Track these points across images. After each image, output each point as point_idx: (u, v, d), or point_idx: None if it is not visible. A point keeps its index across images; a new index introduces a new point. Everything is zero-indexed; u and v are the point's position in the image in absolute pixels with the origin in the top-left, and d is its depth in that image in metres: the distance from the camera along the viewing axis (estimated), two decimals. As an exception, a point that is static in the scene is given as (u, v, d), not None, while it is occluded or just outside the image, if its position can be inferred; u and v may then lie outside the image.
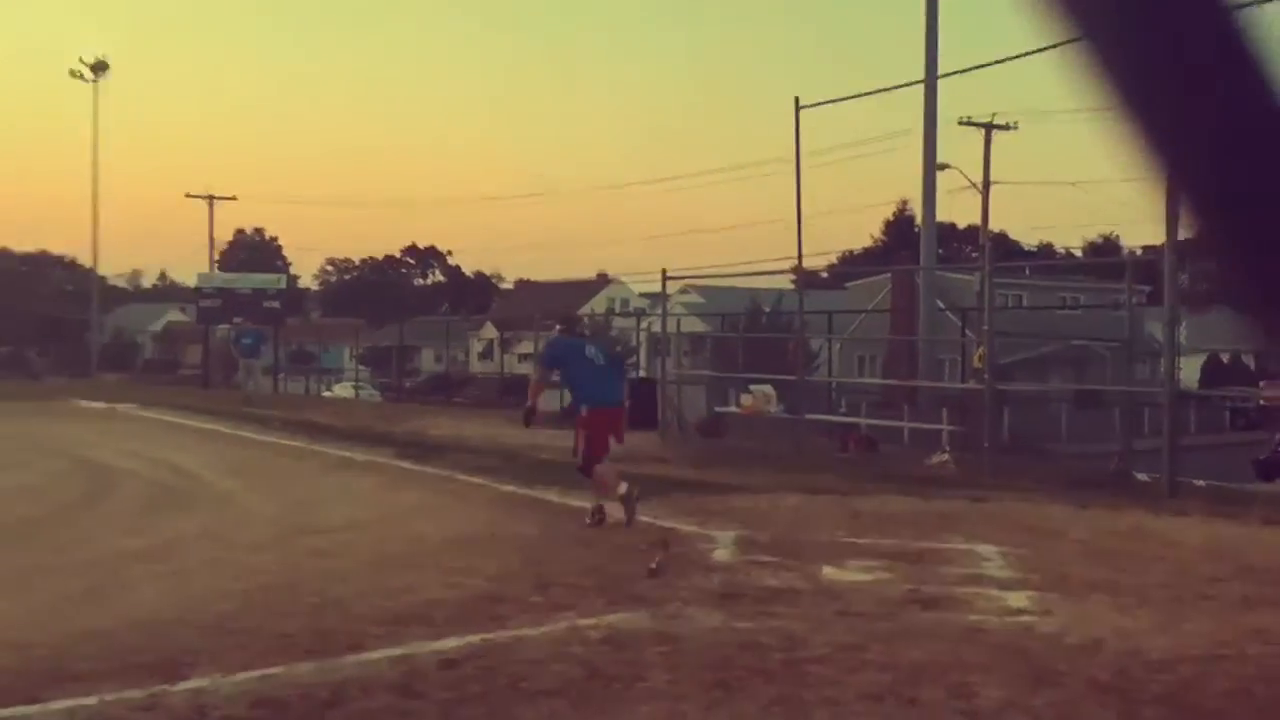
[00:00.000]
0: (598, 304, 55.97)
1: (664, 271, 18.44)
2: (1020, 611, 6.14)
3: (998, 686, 4.77)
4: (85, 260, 61.58)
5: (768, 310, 31.39)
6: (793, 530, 8.64)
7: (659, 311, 23.18)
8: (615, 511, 8.74)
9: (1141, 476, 12.14)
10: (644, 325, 32.52)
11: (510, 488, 11.07)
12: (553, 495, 10.55)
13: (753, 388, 16.92)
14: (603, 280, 68.65)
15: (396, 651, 5.22)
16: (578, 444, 9.44)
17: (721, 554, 7.75)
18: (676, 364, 20.47)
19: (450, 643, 5.39)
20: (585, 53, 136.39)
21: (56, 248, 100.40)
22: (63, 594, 6.46)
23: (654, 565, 7.10)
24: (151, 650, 5.21)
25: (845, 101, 18.25)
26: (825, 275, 52.74)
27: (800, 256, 16.92)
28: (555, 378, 10.54)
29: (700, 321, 31.58)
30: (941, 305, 20.80)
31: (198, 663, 5.02)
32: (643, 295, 57.65)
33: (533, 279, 79.37)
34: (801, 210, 16.34)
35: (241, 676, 4.81)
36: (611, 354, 10.59)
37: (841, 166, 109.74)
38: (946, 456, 14.13)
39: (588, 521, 8.94)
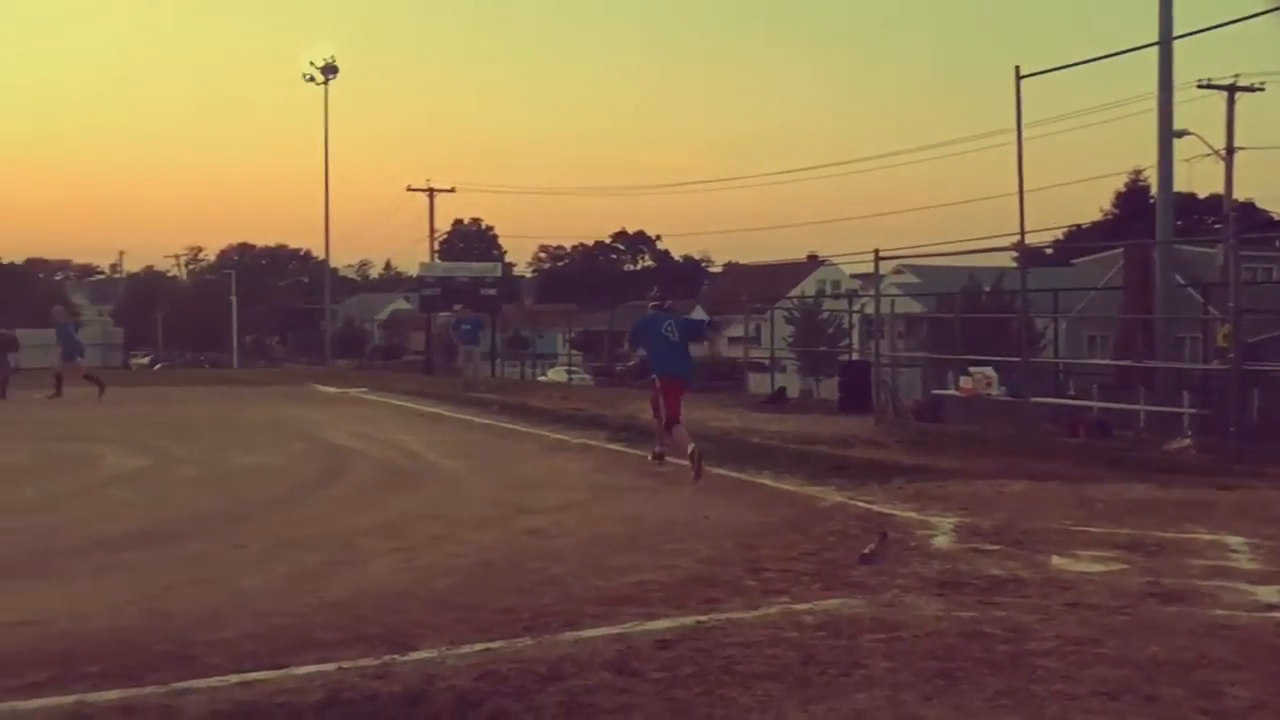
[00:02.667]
0: (808, 286, 55.39)
1: (876, 251, 18.01)
2: (1272, 607, 5.70)
3: (1246, 686, 4.43)
4: (319, 253, 65.25)
5: (987, 289, 30.31)
6: (1018, 518, 8.29)
7: (871, 292, 22.70)
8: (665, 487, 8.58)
9: None
10: (856, 307, 31.96)
11: (722, 471, 11.05)
12: (766, 479, 10.47)
13: (972, 370, 16.35)
14: (813, 262, 67.83)
15: (612, 630, 5.28)
16: (655, 405, 11.55)
17: (941, 541, 7.51)
18: (891, 346, 20.02)
19: (664, 624, 5.41)
20: (794, 32, 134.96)
21: (293, 242, 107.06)
22: (302, 568, 6.83)
23: (869, 551, 6.94)
24: (382, 622, 5.45)
25: (1070, 69, 17.31)
26: (1050, 251, 50.50)
27: (1022, 232, 16.19)
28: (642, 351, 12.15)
29: (915, 302, 30.79)
30: (1181, 280, 19.55)
31: (425, 635, 5.22)
32: (854, 276, 56.66)
33: (742, 262, 79.20)
34: (1024, 184, 15.63)
35: (465, 649, 4.97)
36: (689, 329, 11.96)
37: (1067, 137, 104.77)
38: (1188, 441, 13.31)
39: (650, 460, 11.50)
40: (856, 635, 5.19)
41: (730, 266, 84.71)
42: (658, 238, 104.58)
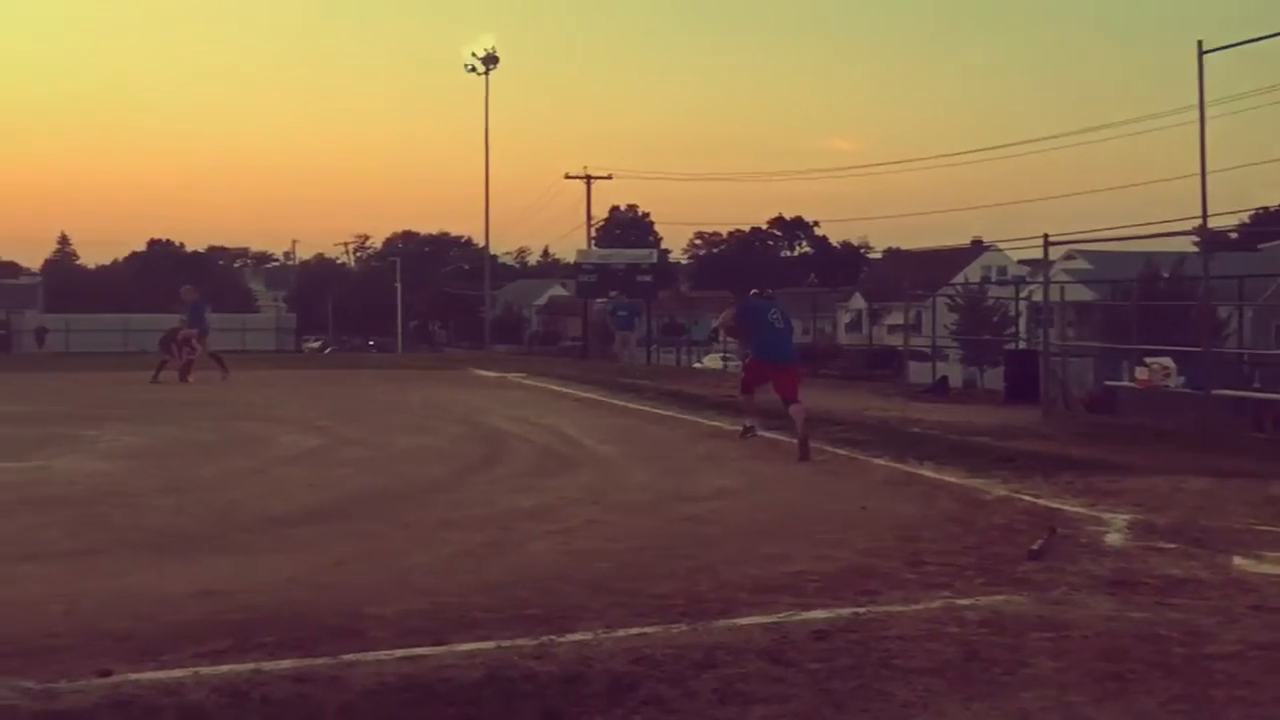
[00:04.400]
0: (971, 272, 53.91)
1: (1045, 236, 17.34)
2: None
3: None
4: (479, 240, 66.78)
5: (1166, 275, 28.95)
6: (1197, 515, 7.88)
7: (1040, 279, 21.94)
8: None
9: None
10: (1023, 294, 30.95)
11: (881, 461, 10.85)
12: (927, 470, 10.22)
13: (1149, 360, 15.62)
14: (977, 247, 65.95)
15: (767, 619, 5.23)
16: (748, 385, 12.64)
17: (1114, 538, 7.19)
18: (1060, 335, 19.29)
19: (820, 614, 5.34)
20: (961, 12, 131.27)
21: (455, 230, 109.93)
22: (464, 548, 6.99)
23: (1036, 547, 6.70)
24: (540, 603, 5.53)
25: (1258, 42, 16.30)
26: (1235, 235, 47.86)
27: (1205, 215, 15.34)
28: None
29: (1086, 289, 29.63)
30: (1385, 265, 18.29)
31: (581, 617, 5.27)
32: (1021, 262, 54.88)
33: (903, 248, 77.60)
34: (1206, 165, 14.82)
35: (621, 633, 5.00)
36: (789, 319, 12.57)
37: (1253, 115, 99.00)
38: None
39: (740, 434, 12.42)
40: (1022, 633, 5.02)
41: (890, 252, 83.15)
42: (815, 223, 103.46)
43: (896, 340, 34.93)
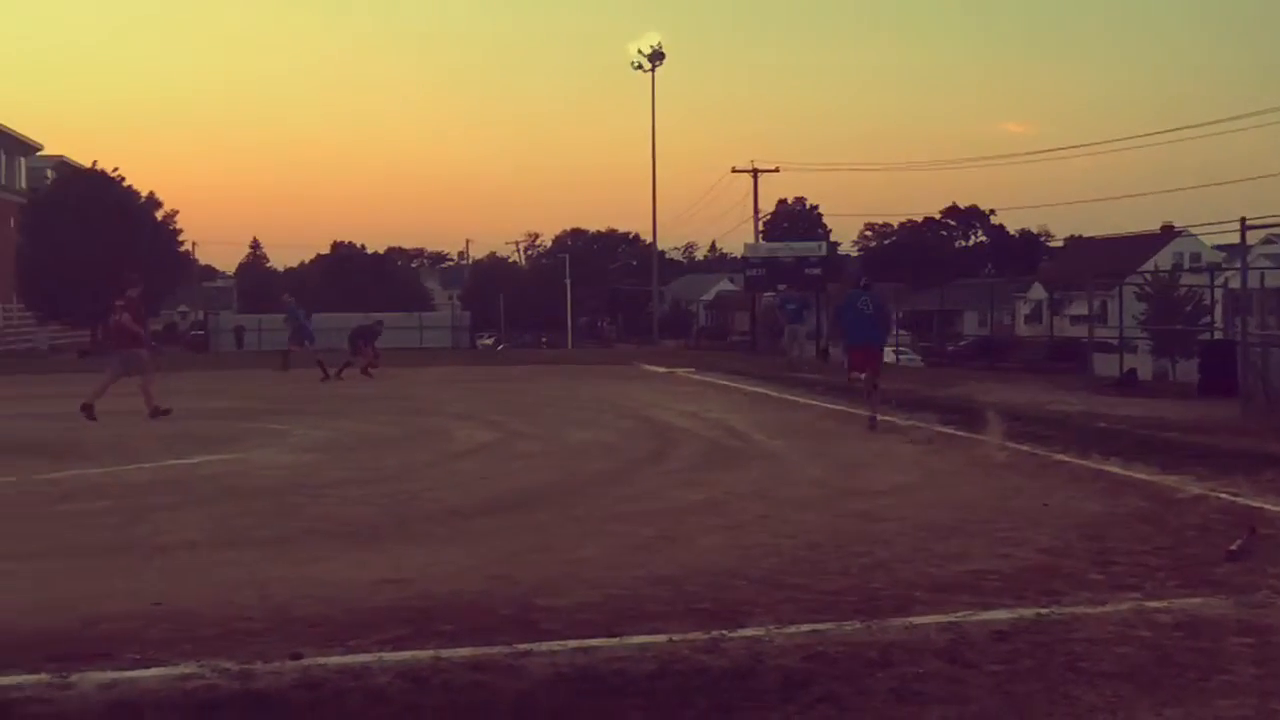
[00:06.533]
0: (1162, 259, 51.33)
1: (1242, 220, 16.35)
2: None
3: None
4: (646, 236, 67.28)
5: (1375, 259, 26.95)
6: None
7: (1237, 265, 20.72)
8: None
9: None
10: (1219, 281, 29.29)
11: (1062, 457, 10.43)
12: (1113, 467, 9.78)
13: (1359, 350, 14.55)
14: (1168, 233, 62.75)
15: (944, 618, 5.10)
16: (852, 375, 14.29)
17: (1322, 539, 6.73)
18: (1260, 324, 18.16)
19: (1001, 614, 5.17)
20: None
21: (622, 226, 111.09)
22: (635, 541, 7.05)
23: (1235, 547, 6.33)
24: (711, 597, 5.53)
25: None
26: None
27: None
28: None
29: (1288, 275, 27.82)
30: None
31: (752, 612, 5.24)
32: (1216, 248, 51.95)
33: (1085, 235, 74.47)
34: None
35: (793, 629, 4.95)
36: (879, 305, 14.15)
37: None
38: None
39: (870, 426, 13.07)
40: (1220, 638, 4.75)
41: (1072, 240, 79.91)
42: (991, 212, 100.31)
43: (1079, 331, 33.49)
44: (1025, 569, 6.09)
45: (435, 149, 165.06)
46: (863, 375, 13.78)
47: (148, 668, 4.45)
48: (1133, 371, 23.05)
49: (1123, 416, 14.05)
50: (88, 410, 14.68)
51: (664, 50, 51.44)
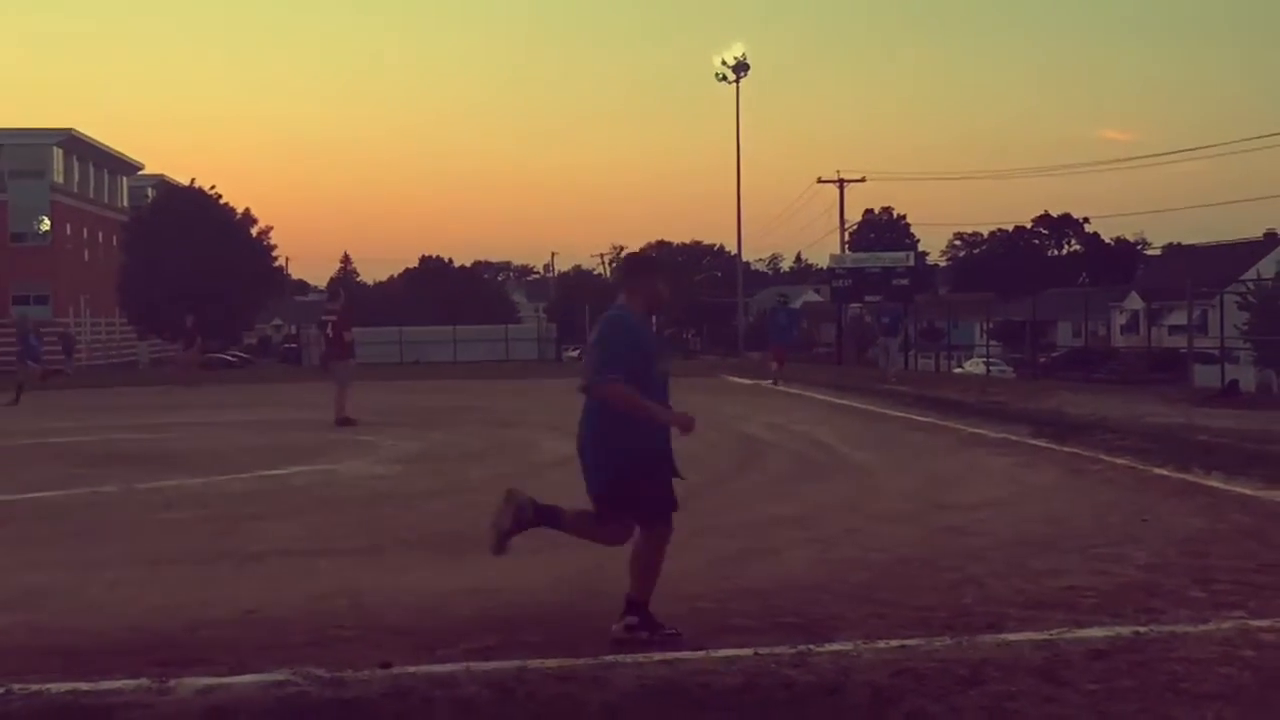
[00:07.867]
0: (1264, 267, 49.70)
1: (1349, 225, 15.79)
2: None
3: None
4: (731, 248, 67.04)
5: None
6: None
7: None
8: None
9: None
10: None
11: (1162, 471, 10.14)
12: (1215, 481, 9.48)
13: None
14: (1271, 240, 60.81)
15: (1038, 636, 4.98)
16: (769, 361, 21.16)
17: None
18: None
19: (1097, 632, 5.03)
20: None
21: (707, 238, 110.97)
22: (721, 554, 7.02)
23: (1346, 565, 6.09)
24: (798, 611, 5.47)
25: None
26: None
27: None
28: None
29: (1400, 283, 26.76)
30: None
31: (840, 627, 5.18)
32: (1321, 256, 50.19)
33: (1184, 243, 72.47)
34: None
35: (881, 645, 4.88)
36: (790, 316, 23.85)
37: None
38: None
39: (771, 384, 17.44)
40: (1331, 660, 4.56)
41: (1170, 248, 77.77)
42: (1085, 220, 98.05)
43: (1179, 342, 32.62)
44: (1123, 586, 5.93)
45: (520, 163, 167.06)
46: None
47: (242, 674, 4.55)
48: (1235, 382, 22.36)
49: (1226, 429, 13.61)
50: (345, 421, 16.06)
51: (748, 61, 51.27)
